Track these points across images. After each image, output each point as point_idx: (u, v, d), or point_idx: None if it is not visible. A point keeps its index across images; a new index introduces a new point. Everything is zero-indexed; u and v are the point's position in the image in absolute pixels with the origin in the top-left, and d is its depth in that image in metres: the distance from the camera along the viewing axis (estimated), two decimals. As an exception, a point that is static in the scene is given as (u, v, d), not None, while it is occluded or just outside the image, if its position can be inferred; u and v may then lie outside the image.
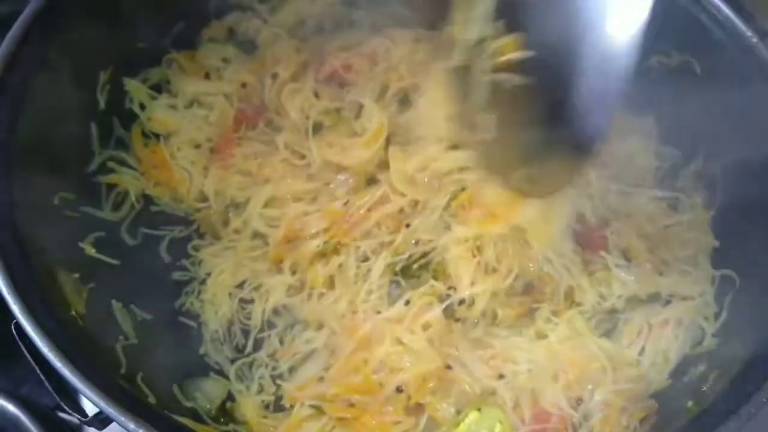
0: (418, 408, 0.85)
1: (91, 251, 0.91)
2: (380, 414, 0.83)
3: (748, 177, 0.89)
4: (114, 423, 0.67)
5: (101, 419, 0.70)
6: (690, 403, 0.78)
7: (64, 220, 0.89)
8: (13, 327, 0.69)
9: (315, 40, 1.13)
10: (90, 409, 0.73)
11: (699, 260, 0.92)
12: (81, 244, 0.91)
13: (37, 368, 0.68)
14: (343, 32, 1.14)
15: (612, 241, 0.91)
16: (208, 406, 0.86)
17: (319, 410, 0.84)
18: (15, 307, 0.67)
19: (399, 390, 0.83)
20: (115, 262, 0.93)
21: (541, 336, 0.87)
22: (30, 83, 0.85)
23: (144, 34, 1.04)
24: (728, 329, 0.86)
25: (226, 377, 0.90)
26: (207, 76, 1.09)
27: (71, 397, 0.73)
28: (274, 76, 1.08)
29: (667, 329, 0.86)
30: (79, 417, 0.70)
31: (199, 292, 0.97)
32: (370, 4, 1.16)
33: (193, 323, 0.95)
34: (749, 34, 0.91)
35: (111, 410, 0.63)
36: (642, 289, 0.88)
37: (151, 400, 0.79)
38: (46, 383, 0.69)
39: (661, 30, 0.93)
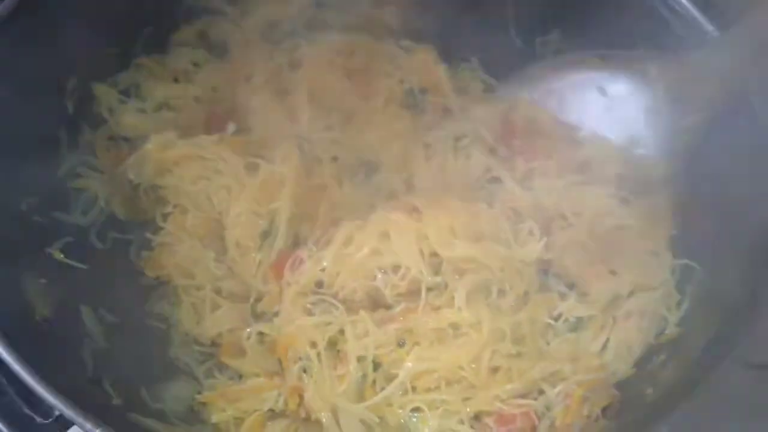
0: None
1: (60, 256, 0.92)
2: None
3: (703, 167, 0.90)
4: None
5: (62, 422, 0.70)
6: (649, 390, 0.78)
7: (33, 225, 0.90)
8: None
9: (288, 43, 1.14)
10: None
11: (659, 251, 0.92)
12: (49, 249, 0.91)
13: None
14: (316, 34, 1.15)
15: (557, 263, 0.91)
16: (176, 407, 0.86)
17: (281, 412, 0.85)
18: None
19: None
20: (83, 266, 0.93)
21: None
22: (-3, 88, 0.86)
23: (113, 39, 1.04)
24: (690, 318, 0.87)
25: (196, 378, 0.90)
26: (177, 80, 1.10)
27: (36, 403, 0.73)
28: (248, 79, 1.09)
29: (631, 321, 0.87)
30: (42, 419, 0.70)
31: (169, 296, 0.97)
32: (342, 6, 1.17)
33: (162, 326, 0.95)
34: (711, 28, 0.92)
35: (68, 411, 0.63)
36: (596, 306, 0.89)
37: (117, 402, 0.79)
38: (7, 385, 0.69)
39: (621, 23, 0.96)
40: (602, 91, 0.96)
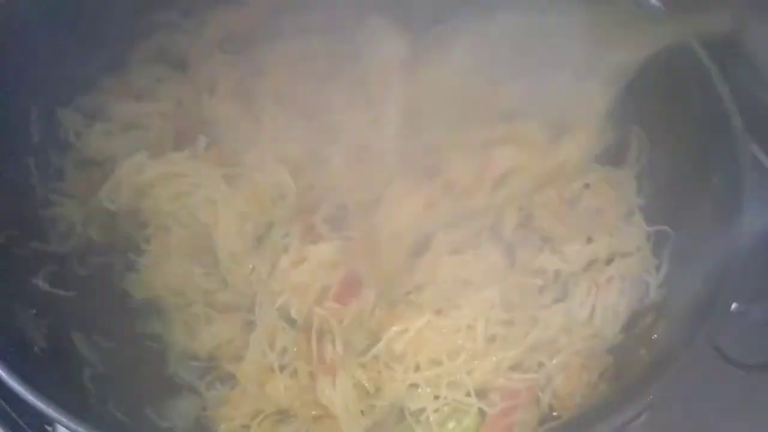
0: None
1: (45, 286, 0.90)
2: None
3: (671, 136, 0.94)
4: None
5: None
6: (642, 351, 0.82)
7: (14, 258, 0.88)
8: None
9: (249, 52, 1.14)
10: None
11: (634, 218, 0.97)
12: (34, 280, 0.90)
13: (8, 408, 0.68)
14: (275, 41, 1.15)
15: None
16: (183, 423, 0.86)
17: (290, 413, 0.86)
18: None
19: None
20: (70, 294, 0.92)
21: None
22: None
23: (72, 63, 1.03)
24: (671, 280, 0.91)
25: (198, 393, 0.90)
26: (141, 98, 1.09)
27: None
28: (212, 90, 1.09)
29: (613, 286, 0.91)
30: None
31: (161, 315, 0.97)
32: (297, 11, 1.18)
33: (157, 345, 0.95)
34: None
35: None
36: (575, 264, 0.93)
37: (126, 425, 0.79)
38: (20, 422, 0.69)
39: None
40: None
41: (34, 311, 0.85)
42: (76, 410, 0.70)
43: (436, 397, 0.86)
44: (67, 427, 0.65)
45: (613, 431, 0.71)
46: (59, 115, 1.02)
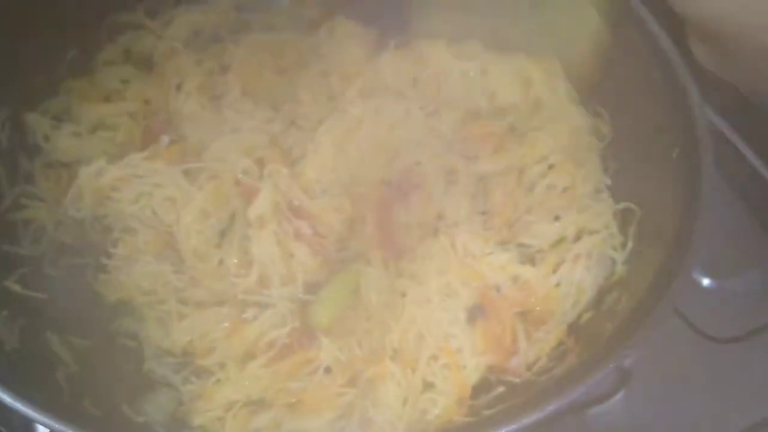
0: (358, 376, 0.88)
1: (17, 288, 0.91)
2: (322, 389, 0.86)
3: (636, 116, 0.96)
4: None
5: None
6: (608, 325, 0.83)
7: (-16, 261, 0.89)
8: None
9: (214, 49, 1.14)
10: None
11: (601, 195, 0.98)
12: (6, 283, 0.90)
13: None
14: (241, 37, 1.16)
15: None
16: (159, 417, 0.86)
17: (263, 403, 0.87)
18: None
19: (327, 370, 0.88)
20: (42, 296, 0.93)
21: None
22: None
23: (38, 66, 1.04)
24: (636, 256, 0.92)
25: (174, 387, 0.91)
26: (108, 99, 1.10)
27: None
28: (178, 87, 1.09)
29: (580, 262, 0.92)
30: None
31: (134, 313, 0.97)
32: (262, 7, 1.19)
33: (132, 343, 0.95)
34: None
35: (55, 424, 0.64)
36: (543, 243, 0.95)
37: (101, 420, 0.79)
38: None
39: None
40: None
41: (6, 313, 0.84)
42: (51, 408, 0.70)
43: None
44: (42, 424, 0.64)
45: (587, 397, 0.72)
46: (27, 119, 1.02)
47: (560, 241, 0.95)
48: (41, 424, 0.66)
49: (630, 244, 0.94)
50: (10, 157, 1.00)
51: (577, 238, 0.94)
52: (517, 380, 0.88)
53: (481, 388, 0.89)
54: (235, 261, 0.93)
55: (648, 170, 0.94)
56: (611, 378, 1.00)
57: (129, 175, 0.97)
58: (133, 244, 0.96)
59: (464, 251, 0.92)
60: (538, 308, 0.92)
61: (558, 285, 0.91)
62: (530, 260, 0.94)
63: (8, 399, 0.70)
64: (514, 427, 0.67)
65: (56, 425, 0.69)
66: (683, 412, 1.01)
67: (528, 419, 0.67)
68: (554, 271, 0.91)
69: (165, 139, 1.01)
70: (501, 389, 0.89)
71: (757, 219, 1.14)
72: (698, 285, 1.05)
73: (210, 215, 0.95)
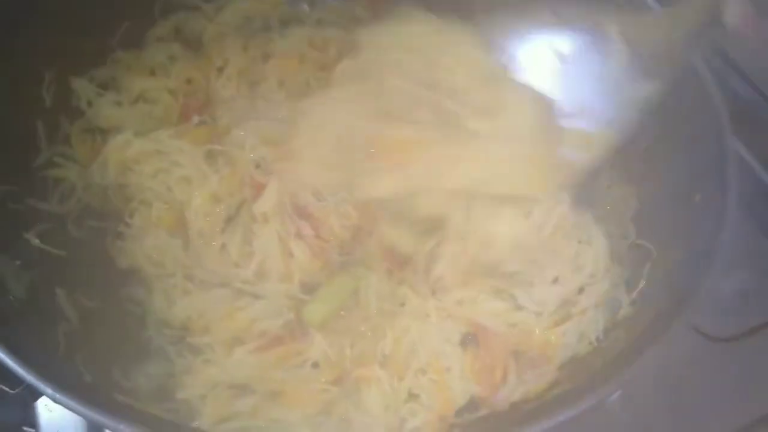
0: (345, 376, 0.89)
1: (36, 242, 0.95)
2: (306, 383, 0.87)
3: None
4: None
5: (31, 392, 0.73)
6: (599, 362, 0.81)
7: (8, 212, 0.93)
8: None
9: (261, 37, 1.17)
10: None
11: (591, 239, 0.95)
12: (26, 235, 0.94)
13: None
14: (289, 29, 1.18)
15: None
16: (146, 385, 0.89)
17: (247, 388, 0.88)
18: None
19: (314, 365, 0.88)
20: (61, 252, 0.96)
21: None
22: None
23: (91, 34, 1.07)
24: (643, 296, 0.89)
25: (168, 359, 0.93)
26: (153, 73, 1.13)
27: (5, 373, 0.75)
28: (220, 70, 1.12)
29: (587, 314, 0.90)
30: (8, 388, 0.73)
31: (144, 282, 1.00)
32: (314, 1, 1.21)
33: (137, 310, 0.98)
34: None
35: (36, 382, 0.66)
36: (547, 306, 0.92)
37: (88, 379, 0.82)
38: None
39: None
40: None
41: (19, 263, 0.88)
42: (37, 359, 0.73)
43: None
44: (18, 373, 0.67)
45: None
46: (74, 83, 1.07)
47: (564, 302, 0.93)
48: (19, 376, 0.67)
49: (642, 285, 0.91)
50: (52, 116, 1.04)
51: (581, 290, 0.92)
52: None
53: (464, 407, 0.88)
54: (236, 249, 0.94)
55: (668, 211, 0.90)
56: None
57: (153, 150, 1.00)
58: (148, 217, 1.00)
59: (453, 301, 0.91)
60: (534, 351, 0.90)
61: (562, 336, 0.90)
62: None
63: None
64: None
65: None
66: (681, 410, 1.01)
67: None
68: (559, 325, 0.89)
69: (195, 118, 1.04)
70: (484, 411, 0.88)
71: (753, 219, 1.13)
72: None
73: (220, 201, 0.97)
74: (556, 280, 0.92)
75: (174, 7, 1.16)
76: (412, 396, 0.89)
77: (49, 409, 0.99)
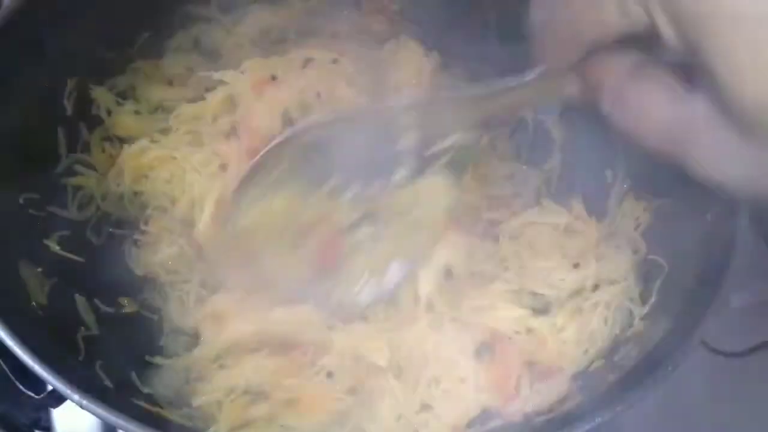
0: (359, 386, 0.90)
1: (56, 248, 0.96)
2: (321, 391, 0.88)
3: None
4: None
5: (55, 397, 0.75)
6: (611, 377, 0.82)
7: (29, 219, 0.94)
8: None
9: (278, 48, 1.18)
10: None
11: (621, 246, 0.97)
12: (46, 241, 0.96)
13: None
14: (306, 41, 1.20)
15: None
16: (164, 392, 0.90)
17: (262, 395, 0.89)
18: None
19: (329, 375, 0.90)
20: (80, 259, 0.98)
21: None
22: (-4, 90, 0.91)
23: (111, 44, 1.09)
24: (656, 312, 0.90)
25: (183, 365, 0.94)
26: (171, 83, 1.15)
27: (30, 378, 0.77)
28: (236, 81, 1.13)
29: (598, 312, 0.91)
30: (34, 394, 0.75)
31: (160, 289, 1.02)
32: (332, 14, 1.22)
33: (154, 316, 1.00)
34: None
35: (60, 385, 0.68)
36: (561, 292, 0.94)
37: (108, 384, 0.83)
38: (3, 365, 0.73)
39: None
40: None
41: (41, 269, 0.90)
42: (61, 365, 0.74)
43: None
44: (46, 380, 0.68)
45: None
46: (94, 92, 1.08)
47: (579, 291, 0.94)
48: (45, 380, 0.68)
49: (654, 299, 0.93)
50: (72, 124, 1.05)
51: (596, 287, 0.93)
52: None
53: (477, 418, 0.89)
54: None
55: (680, 228, 0.92)
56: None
57: (167, 156, 1.02)
58: (163, 223, 1.01)
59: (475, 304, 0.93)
60: (547, 362, 0.91)
61: (574, 342, 0.91)
62: (545, 308, 0.93)
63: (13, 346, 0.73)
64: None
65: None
66: (686, 425, 1.02)
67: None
68: (571, 319, 0.91)
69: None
70: (497, 422, 0.89)
71: (761, 234, 1.14)
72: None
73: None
74: (577, 265, 0.94)
75: (193, 18, 1.18)
76: (425, 407, 0.90)
77: (64, 415, 1.00)
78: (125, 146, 1.04)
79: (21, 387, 0.75)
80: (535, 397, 0.88)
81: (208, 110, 1.07)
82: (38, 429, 1.04)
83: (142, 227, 1.03)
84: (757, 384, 1.03)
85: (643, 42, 0.60)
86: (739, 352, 1.01)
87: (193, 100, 1.12)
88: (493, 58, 1.15)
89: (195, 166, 1.02)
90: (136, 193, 1.05)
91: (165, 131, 1.07)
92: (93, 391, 0.72)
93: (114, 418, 0.66)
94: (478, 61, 1.17)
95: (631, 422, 0.99)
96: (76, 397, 0.67)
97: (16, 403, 0.96)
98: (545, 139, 1.17)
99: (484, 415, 0.90)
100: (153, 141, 1.04)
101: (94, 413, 0.67)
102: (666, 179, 0.94)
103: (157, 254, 1.00)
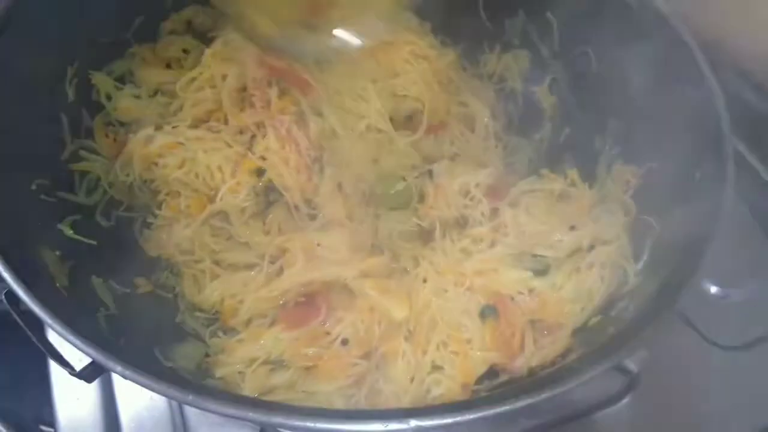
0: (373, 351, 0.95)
1: (69, 232, 0.98)
2: (337, 358, 0.93)
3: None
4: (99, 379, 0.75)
5: (89, 372, 0.78)
6: (611, 329, 0.88)
7: (42, 204, 0.96)
8: (4, 296, 0.76)
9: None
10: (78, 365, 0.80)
11: (613, 209, 1.02)
12: (59, 226, 0.98)
13: (27, 330, 0.75)
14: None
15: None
16: (186, 365, 0.93)
17: (281, 363, 0.94)
18: (7, 275, 0.75)
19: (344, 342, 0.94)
20: (92, 242, 1.00)
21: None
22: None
23: (107, 29, 1.11)
24: (649, 269, 0.96)
25: (203, 340, 0.98)
26: (168, 66, 1.17)
27: (60, 356, 0.80)
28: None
29: (594, 270, 0.96)
30: (70, 370, 0.78)
31: (173, 268, 1.05)
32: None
33: (169, 294, 1.03)
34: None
35: (101, 357, 0.71)
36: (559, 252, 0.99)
37: (135, 361, 0.85)
38: (38, 344, 0.76)
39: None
40: None
41: (59, 253, 0.92)
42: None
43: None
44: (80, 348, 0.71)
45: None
46: (94, 78, 1.10)
47: (576, 250, 0.99)
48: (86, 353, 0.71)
49: (645, 257, 0.98)
50: (75, 110, 1.07)
51: (591, 247, 0.98)
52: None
53: (485, 374, 0.95)
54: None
55: (669, 188, 0.97)
56: (618, 383, 1.05)
57: (176, 143, 1.04)
58: (177, 207, 1.04)
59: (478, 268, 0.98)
60: (549, 319, 0.96)
61: (572, 300, 0.96)
62: (545, 270, 0.98)
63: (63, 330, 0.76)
64: (507, 408, 0.72)
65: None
66: (689, 418, 1.04)
67: (522, 402, 0.72)
68: (569, 279, 0.96)
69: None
70: (504, 377, 0.94)
71: (764, 228, 1.17)
72: (706, 293, 1.08)
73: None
74: (573, 228, 0.99)
75: (185, 1, 1.19)
76: (436, 367, 0.94)
77: (66, 409, 1.03)
78: (131, 135, 1.06)
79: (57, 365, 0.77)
80: (539, 353, 0.93)
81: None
82: (42, 424, 1.07)
83: (155, 211, 1.05)
84: (755, 377, 1.04)
85: None
86: (737, 346, 1.02)
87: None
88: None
89: (205, 147, 1.04)
90: (145, 181, 1.07)
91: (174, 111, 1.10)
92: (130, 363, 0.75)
93: (161, 387, 0.70)
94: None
95: (630, 413, 1.03)
96: (118, 368, 0.70)
97: (20, 399, 0.99)
98: (535, 110, 1.22)
99: (492, 371, 0.95)
100: (157, 128, 1.06)
101: (139, 383, 0.70)
102: (654, 142, 1.00)
103: (171, 236, 1.03)
